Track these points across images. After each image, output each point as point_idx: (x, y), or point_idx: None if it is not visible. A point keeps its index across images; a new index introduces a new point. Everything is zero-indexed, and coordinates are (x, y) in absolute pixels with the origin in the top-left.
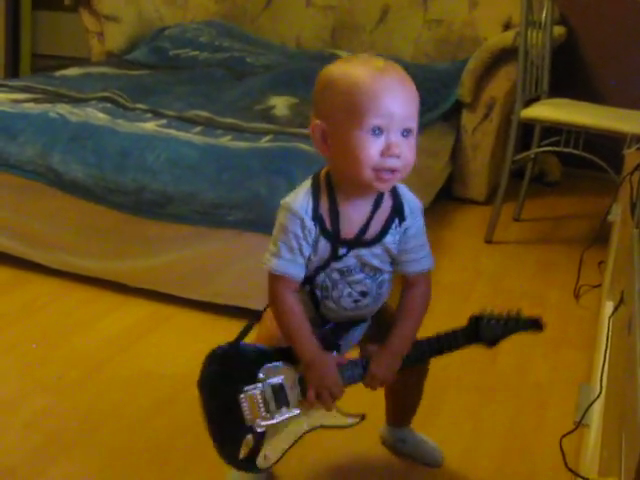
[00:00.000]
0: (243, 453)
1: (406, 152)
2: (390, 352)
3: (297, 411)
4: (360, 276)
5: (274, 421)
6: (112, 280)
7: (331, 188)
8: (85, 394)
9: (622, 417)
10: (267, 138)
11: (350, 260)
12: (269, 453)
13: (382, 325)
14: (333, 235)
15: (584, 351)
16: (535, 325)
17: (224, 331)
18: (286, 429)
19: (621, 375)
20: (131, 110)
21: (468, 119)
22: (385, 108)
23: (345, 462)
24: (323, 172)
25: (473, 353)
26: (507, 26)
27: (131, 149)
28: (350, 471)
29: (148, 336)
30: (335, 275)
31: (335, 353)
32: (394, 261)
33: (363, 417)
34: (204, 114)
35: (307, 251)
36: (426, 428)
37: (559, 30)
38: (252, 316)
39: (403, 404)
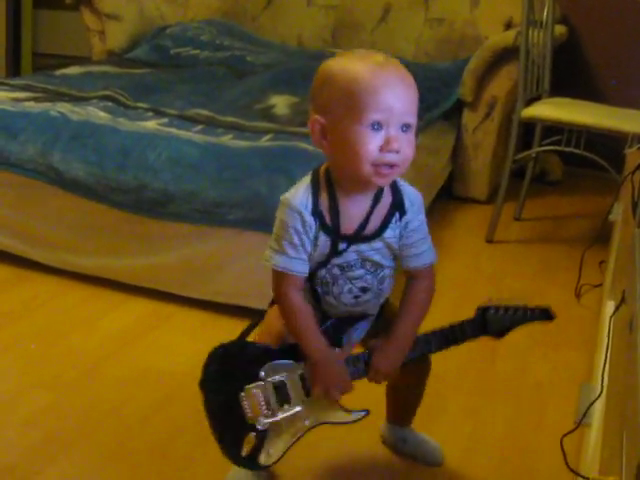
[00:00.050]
0: (246, 451)
1: (405, 147)
2: (393, 345)
3: (299, 408)
4: (360, 272)
5: (276, 418)
6: (112, 278)
7: (330, 184)
8: (84, 392)
9: (623, 417)
10: (268, 137)
11: (350, 255)
12: (272, 450)
13: (385, 322)
14: (333, 230)
15: (585, 351)
16: (545, 315)
17: (224, 330)
18: (289, 426)
19: (622, 375)
20: (132, 109)
21: (469, 118)
22: (384, 103)
23: (345, 461)
24: (322, 168)
25: (473, 353)
26: (508, 25)
27: (132, 148)
28: (351, 470)
29: (148, 335)
30: (335, 271)
31: (337, 349)
32: (396, 256)
33: (367, 412)
34: (205, 113)
35: (309, 246)
36: (427, 428)
37: (560, 29)
38: (254, 315)
39: (404, 402)
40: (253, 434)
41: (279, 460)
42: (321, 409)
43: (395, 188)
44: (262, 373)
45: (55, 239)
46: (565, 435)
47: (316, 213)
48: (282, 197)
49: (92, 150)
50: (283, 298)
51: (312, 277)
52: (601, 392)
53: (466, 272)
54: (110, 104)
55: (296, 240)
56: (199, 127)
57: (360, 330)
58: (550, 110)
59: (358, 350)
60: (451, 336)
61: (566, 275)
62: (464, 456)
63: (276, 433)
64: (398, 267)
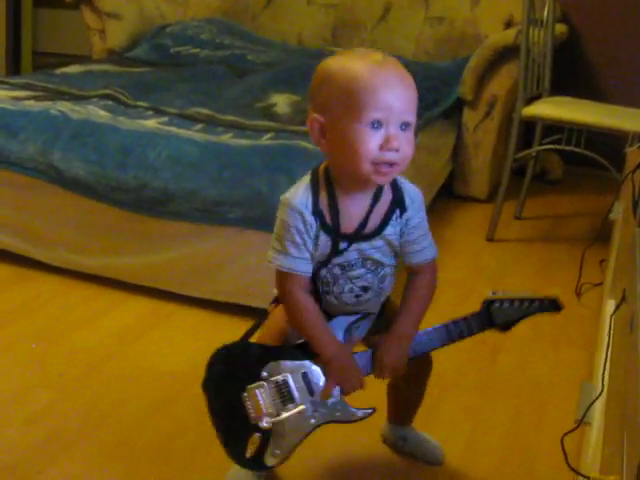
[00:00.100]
0: (250, 452)
1: (404, 146)
2: (396, 339)
3: (303, 407)
4: (361, 271)
5: (280, 418)
6: (113, 277)
7: (330, 183)
8: (86, 392)
9: (624, 415)
10: (268, 136)
11: (351, 254)
12: (277, 451)
13: (386, 320)
14: (333, 230)
15: (585, 349)
16: (553, 306)
17: (225, 329)
18: (293, 426)
19: (623, 373)
20: (132, 107)
21: (469, 117)
22: (384, 101)
23: (346, 460)
24: (322, 167)
25: (473, 352)
26: (509, 24)
27: (132, 146)
28: (351, 469)
29: (149, 334)
30: (336, 270)
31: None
32: (397, 254)
33: (374, 410)
34: (205, 111)
35: (311, 245)
36: (427, 427)
37: (561, 28)
38: (255, 314)
39: (405, 402)
40: (257, 435)
41: (285, 461)
42: (326, 408)
43: (395, 185)
44: (265, 373)
45: (55, 238)
46: (566, 434)
47: (316, 212)
48: (282, 197)
49: (92, 149)
50: (289, 298)
51: (313, 277)
52: (602, 391)
53: (467, 271)
54: (110, 103)
55: (298, 239)
56: (199, 126)
57: (362, 328)
58: (550, 109)
59: (360, 349)
60: (457, 330)
61: (566, 274)
62: (464, 455)
63: (281, 433)
64: (399, 264)
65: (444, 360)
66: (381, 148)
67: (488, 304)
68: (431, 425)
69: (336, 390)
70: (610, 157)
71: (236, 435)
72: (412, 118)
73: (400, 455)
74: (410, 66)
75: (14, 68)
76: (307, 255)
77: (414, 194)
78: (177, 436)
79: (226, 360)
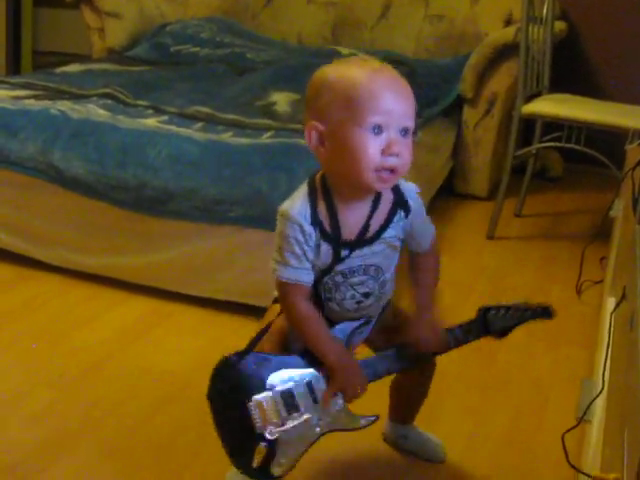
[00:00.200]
0: (257, 462)
1: (404, 152)
2: (423, 313)
3: (308, 416)
4: (363, 277)
5: (285, 427)
6: (113, 277)
7: (327, 191)
8: (86, 391)
9: (624, 413)
10: (268, 134)
11: (353, 261)
12: (283, 460)
13: (386, 325)
14: (334, 238)
15: (586, 347)
16: (545, 313)
17: (225, 327)
18: (299, 435)
19: (623, 371)
20: (132, 106)
21: (469, 114)
22: (383, 106)
23: (346, 458)
24: (318, 176)
25: (474, 350)
26: (508, 22)
27: (132, 145)
28: (351, 467)
29: (149, 333)
30: (338, 277)
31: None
32: (399, 253)
33: (377, 418)
34: (205, 110)
35: (311, 255)
36: (428, 425)
37: (560, 25)
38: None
39: (407, 401)
40: (263, 444)
41: (291, 469)
42: (330, 416)
43: (395, 188)
44: (270, 383)
45: (56, 237)
46: (566, 432)
47: (315, 222)
48: (280, 209)
49: (92, 148)
50: (291, 309)
51: (315, 284)
52: (602, 388)
53: (467, 269)
54: (110, 102)
55: (298, 250)
56: (199, 124)
57: (365, 333)
58: (550, 106)
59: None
60: (452, 337)
61: (567, 271)
62: (465, 452)
63: (286, 442)
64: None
65: (445, 359)
66: (383, 153)
67: (484, 311)
68: (432, 424)
69: (339, 398)
70: (610, 154)
71: (242, 445)
72: (411, 124)
73: (401, 453)
74: (410, 63)
75: (14, 67)
76: (308, 265)
77: (412, 192)
78: (178, 435)
79: (231, 370)
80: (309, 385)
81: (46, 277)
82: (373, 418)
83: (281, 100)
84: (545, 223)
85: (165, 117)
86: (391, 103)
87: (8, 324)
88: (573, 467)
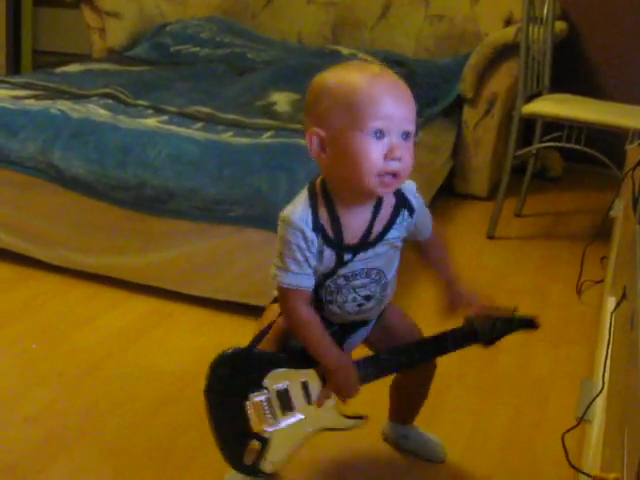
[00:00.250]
0: (249, 459)
1: (406, 155)
2: (450, 284)
3: (302, 416)
4: (365, 280)
5: (280, 426)
6: (113, 276)
7: (328, 197)
8: (86, 391)
9: (624, 413)
10: (268, 134)
11: (356, 265)
12: (275, 458)
13: (385, 326)
14: (337, 243)
15: (586, 347)
16: (530, 324)
17: (225, 327)
18: (291, 433)
19: (623, 370)
20: (132, 106)
21: (469, 114)
22: (384, 111)
23: (346, 458)
24: (318, 181)
25: (474, 350)
26: (508, 22)
27: (132, 145)
28: (351, 467)
29: (149, 332)
30: (340, 281)
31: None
32: (400, 254)
33: (365, 418)
34: (205, 110)
35: (313, 261)
36: (428, 425)
37: (560, 25)
38: (255, 312)
39: (407, 401)
40: (256, 442)
41: (282, 467)
42: (321, 416)
43: (396, 189)
44: (266, 381)
45: (56, 237)
46: (566, 431)
47: (317, 228)
48: (281, 214)
49: (92, 148)
50: (292, 313)
51: (316, 287)
52: (602, 388)
53: (467, 268)
54: (110, 102)
55: (299, 257)
56: (199, 124)
57: (360, 336)
58: (550, 106)
59: (358, 352)
60: (441, 345)
61: (567, 271)
62: (465, 452)
63: (279, 440)
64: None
65: (444, 359)
66: (385, 158)
67: (472, 321)
68: (432, 424)
69: (332, 399)
70: (610, 154)
71: (234, 440)
72: (412, 127)
73: (401, 453)
74: (410, 63)
75: (14, 67)
76: (309, 270)
77: (412, 190)
78: (178, 435)
79: (229, 366)
80: (304, 385)
81: (46, 277)
82: (362, 419)
83: (281, 100)
84: (545, 223)
85: (165, 117)
86: (392, 107)
87: (8, 324)
88: (573, 467)
